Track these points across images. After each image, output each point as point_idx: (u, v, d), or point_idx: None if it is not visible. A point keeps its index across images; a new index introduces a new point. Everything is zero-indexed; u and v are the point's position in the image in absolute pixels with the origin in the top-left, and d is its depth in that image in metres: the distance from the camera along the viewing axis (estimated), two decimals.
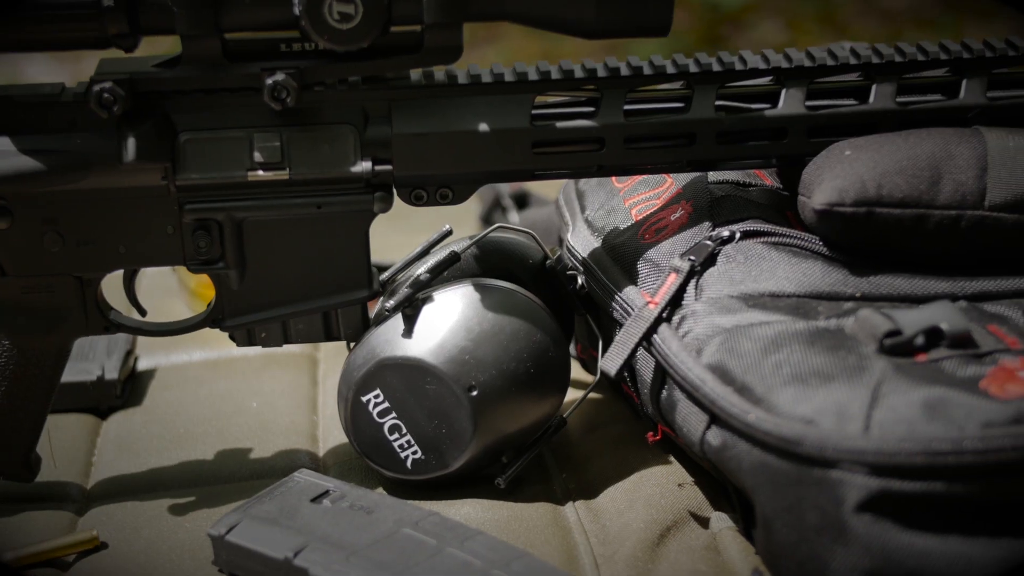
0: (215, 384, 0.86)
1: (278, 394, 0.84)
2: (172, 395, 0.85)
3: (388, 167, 0.69)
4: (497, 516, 0.70)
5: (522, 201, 1.03)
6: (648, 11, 0.66)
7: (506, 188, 1.04)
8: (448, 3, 0.65)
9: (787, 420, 0.58)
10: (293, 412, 0.82)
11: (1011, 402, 0.56)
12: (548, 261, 0.76)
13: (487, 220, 1.04)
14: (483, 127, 0.69)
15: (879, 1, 3.01)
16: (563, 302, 0.77)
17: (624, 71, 0.70)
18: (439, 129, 0.69)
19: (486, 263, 0.76)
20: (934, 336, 0.61)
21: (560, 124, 0.69)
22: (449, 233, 0.76)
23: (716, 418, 0.62)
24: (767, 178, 0.76)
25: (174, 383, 0.86)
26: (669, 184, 0.76)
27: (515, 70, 0.70)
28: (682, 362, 0.64)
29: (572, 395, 0.81)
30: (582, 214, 0.79)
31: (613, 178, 0.80)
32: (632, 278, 0.71)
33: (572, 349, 0.84)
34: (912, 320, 0.61)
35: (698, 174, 0.75)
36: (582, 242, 0.77)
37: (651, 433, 0.70)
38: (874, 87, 0.70)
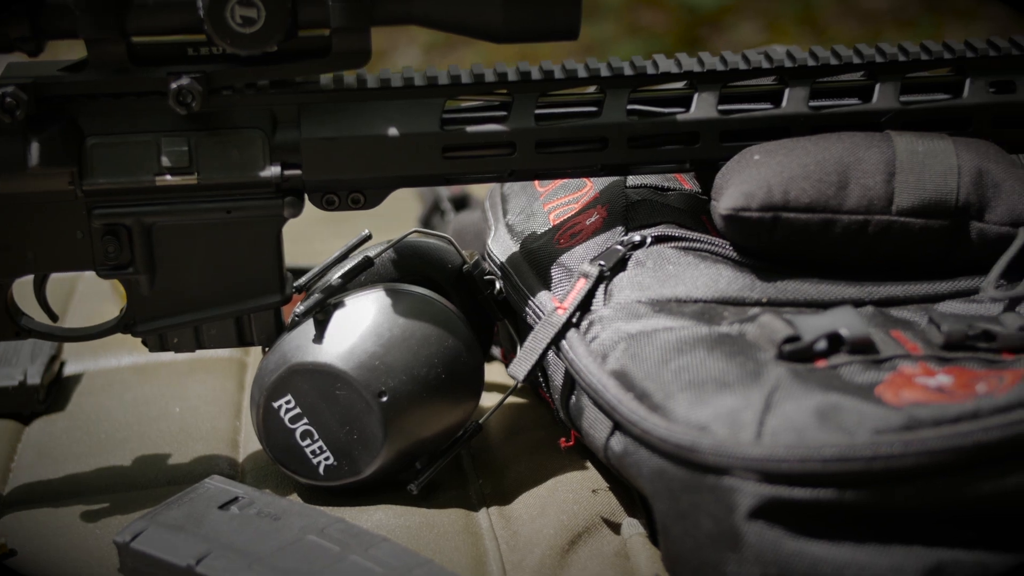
0: (141, 389, 0.85)
1: (203, 399, 0.84)
2: (97, 400, 0.84)
3: (297, 172, 0.69)
4: (409, 522, 0.70)
5: (461, 204, 1.03)
6: (555, 16, 0.66)
7: (445, 191, 1.04)
8: (354, 7, 0.65)
9: (682, 427, 0.58)
10: (216, 417, 0.82)
11: (903, 408, 0.56)
12: (465, 266, 0.76)
13: (426, 223, 1.04)
14: (392, 131, 0.69)
15: (860, 2, 3.01)
16: (482, 307, 0.76)
17: (535, 75, 0.69)
18: (348, 133, 0.69)
19: (404, 268, 0.75)
20: (835, 342, 0.61)
21: (471, 128, 0.69)
22: (368, 237, 0.76)
23: (618, 424, 0.62)
24: (687, 182, 0.76)
25: (100, 388, 0.86)
26: (588, 188, 0.76)
27: (425, 74, 0.69)
28: (587, 368, 0.64)
29: (494, 400, 0.81)
30: (504, 218, 0.79)
31: (536, 182, 0.80)
32: (546, 283, 0.71)
33: (497, 354, 0.84)
34: (812, 326, 0.61)
35: (616, 178, 0.75)
36: (501, 246, 0.76)
37: (564, 439, 0.70)
38: (787, 91, 0.70)
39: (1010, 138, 0.71)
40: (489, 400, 0.79)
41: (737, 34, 2.82)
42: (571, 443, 0.70)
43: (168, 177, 0.68)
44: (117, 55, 0.66)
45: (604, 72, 0.69)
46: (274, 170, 0.69)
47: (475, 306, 0.76)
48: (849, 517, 0.55)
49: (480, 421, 0.74)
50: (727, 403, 0.58)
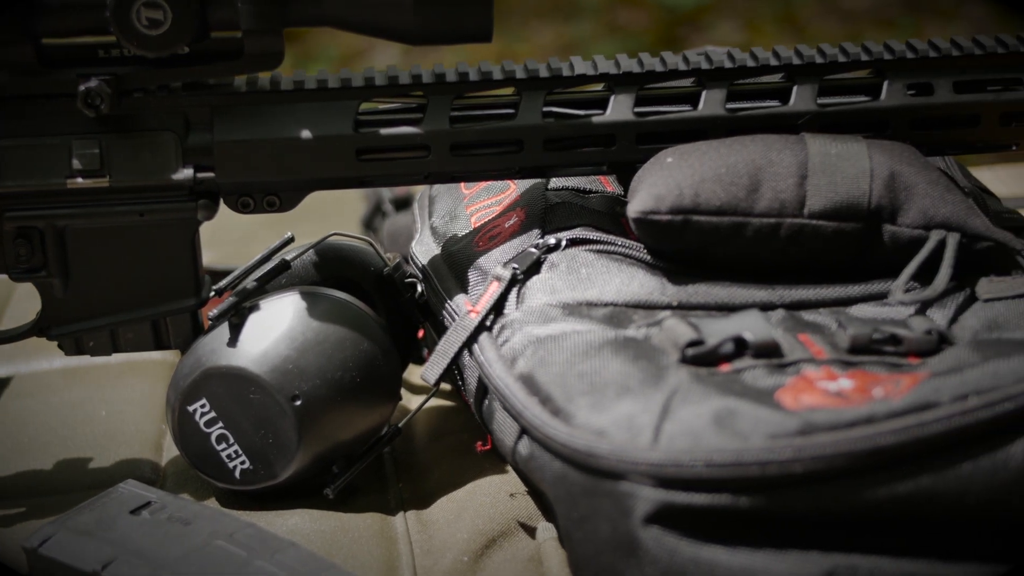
0: (69, 392, 0.85)
1: (130, 402, 0.83)
2: (23, 404, 0.84)
3: (211, 174, 0.69)
4: (324, 527, 0.69)
5: (402, 205, 1.03)
6: (467, 18, 0.65)
7: (387, 192, 1.03)
8: (264, 9, 0.65)
9: (581, 431, 0.58)
10: (142, 421, 0.81)
11: (799, 413, 0.55)
12: (386, 269, 0.75)
13: (368, 224, 1.04)
14: (306, 134, 0.68)
15: (840, 1, 3.00)
16: (405, 310, 0.76)
17: (450, 77, 0.69)
18: (261, 136, 0.68)
19: (325, 270, 0.75)
20: (739, 346, 0.61)
21: (384, 131, 0.69)
22: (291, 240, 0.75)
23: (525, 428, 0.62)
24: (610, 184, 0.76)
25: (28, 391, 0.86)
26: (511, 191, 0.76)
27: (340, 76, 0.69)
28: (496, 372, 0.64)
29: (430, 403, 0.80)
30: (429, 220, 0.79)
31: (462, 184, 0.80)
32: (463, 286, 0.71)
33: (426, 356, 0.84)
34: (717, 329, 0.61)
35: (538, 180, 0.74)
36: (424, 249, 0.76)
37: (480, 442, 0.70)
38: (704, 93, 0.70)
39: (929, 140, 0.71)
40: (416, 403, 0.79)
41: (716, 33, 2.82)
42: (487, 447, 0.69)
43: (79, 180, 0.68)
44: (26, 56, 0.66)
45: (520, 74, 0.69)
46: (187, 173, 0.68)
47: (398, 309, 0.76)
48: (745, 522, 0.55)
49: (400, 425, 0.74)
50: (626, 408, 0.57)
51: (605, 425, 0.57)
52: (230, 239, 1.06)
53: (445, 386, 0.83)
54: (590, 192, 0.74)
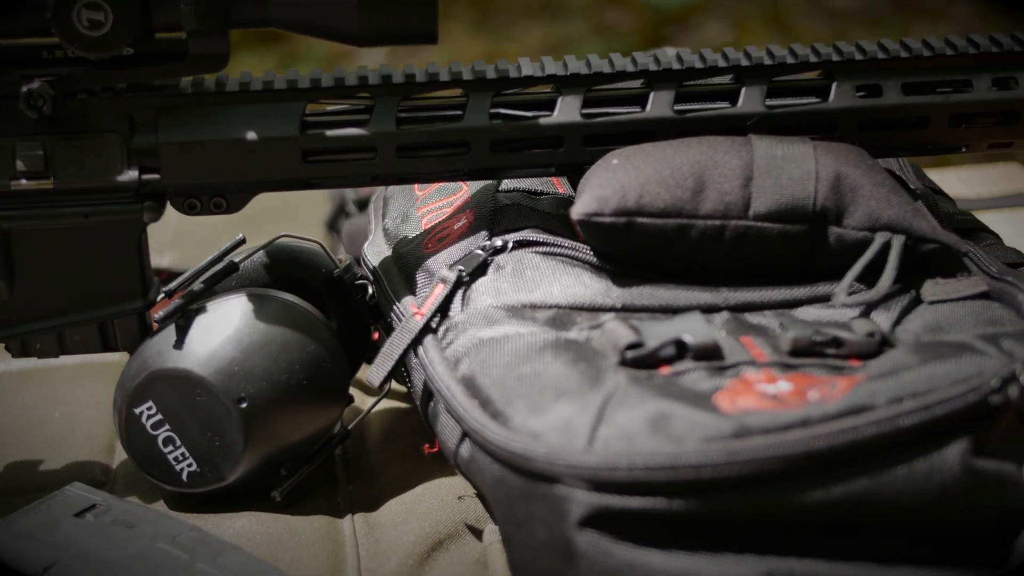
0: (24, 394, 0.85)
1: (85, 404, 0.83)
2: None
3: (156, 176, 0.68)
4: (270, 529, 0.69)
5: (365, 206, 1.02)
6: (411, 19, 0.65)
7: (351, 193, 1.03)
8: (207, 10, 0.65)
9: (518, 434, 0.57)
10: (95, 423, 0.81)
11: (734, 416, 0.55)
12: (336, 271, 0.75)
13: (332, 225, 1.04)
14: (251, 135, 0.68)
15: (827, 1, 3.00)
16: (355, 312, 0.76)
17: (397, 79, 0.69)
18: (207, 137, 0.68)
19: (276, 272, 0.75)
20: (679, 348, 0.60)
21: (330, 132, 0.69)
22: (242, 242, 0.75)
23: (466, 432, 0.62)
24: (562, 186, 0.75)
25: None
26: (463, 192, 0.76)
27: (286, 78, 0.69)
28: (439, 374, 0.64)
29: (385, 405, 0.80)
30: (382, 222, 0.79)
31: (416, 185, 0.80)
32: (411, 288, 0.71)
33: None
34: (657, 332, 0.61)
35: (490, 182, 0.74)
36: (376, 251, 0.76)
37: (428, 445, 0.70)
38: (652, 95, 0.69)
39: (878, 142, 0.71)
40: (380, 405, 0.79)
41: (704, 33, 2.81)
42: (435, 449, 0.69)
43: (23, 181, 0.67)
44: None
45: (466, 75, 0.69)
46: (132, 174, 0.68)
47: (350, 311, 0.76)
48: (680, 526, 0.55)
49: (350, 427, 0.74)
50: (563, 411, 0.57)
51: (542, 428, 0.57)
52: (194, 240, 1.06)
53: (400, 388, 0.83)
54: (541, 194, 0.74)
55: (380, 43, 0.66)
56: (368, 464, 0.76)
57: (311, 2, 0.65)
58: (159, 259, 1.03)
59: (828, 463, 0.54)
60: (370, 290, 0.75)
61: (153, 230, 1.04)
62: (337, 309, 0.75)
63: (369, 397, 0.82)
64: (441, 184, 0.78)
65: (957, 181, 1.04)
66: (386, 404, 0.80)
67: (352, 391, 0.76)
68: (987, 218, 0.95)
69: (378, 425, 0.79)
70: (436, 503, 0.70)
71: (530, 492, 0.57)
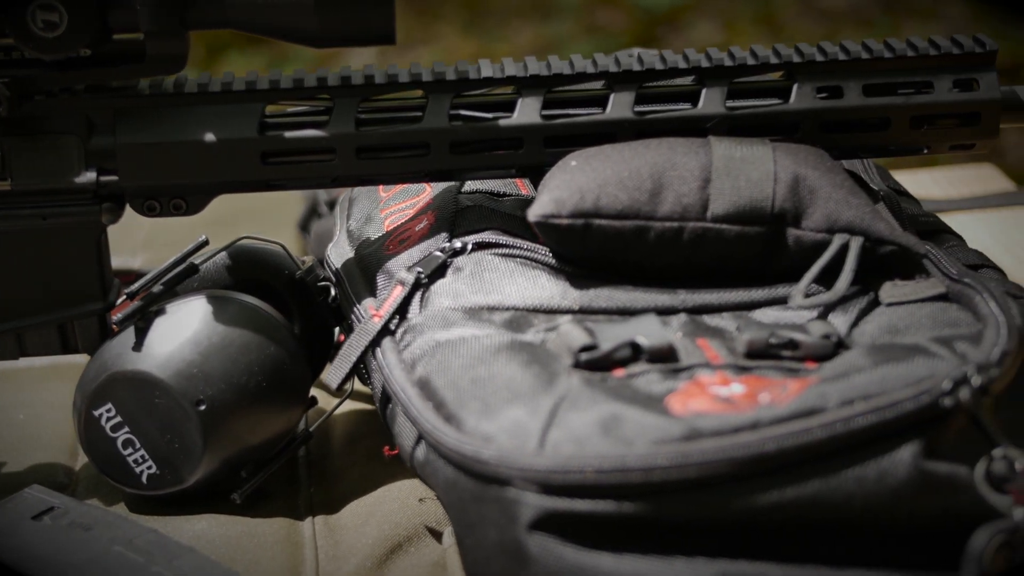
0: None
1: (50, 406, 0.83)
2: None
3: (114, 178, 0.68)
4: (230, 532, 0.69)
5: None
6: (368, 21, 0.65)
7: (323, 194, 1.03)
8: (163, 12, 0.64)
9: (471, 437, 0.57)
10: (59, 425, 0.81)
11: (685, 419, 0.55)
12: (298, 273, 0.75)
13: (304, 226, 1.03)
14: (209, 137, 0.68)
15: (818, 1, 3.00)
16: (318, 314, 0.76)
17: (356, 80, 0.69)
18: (164, 139, 0.68)
19: (239, 274, 0.75)
20: (635, 351, 0.60)
21: (289, 134, 0.68)
22: (205, 243, 0.75)
23: (421, 434, 0.62)
24: (525, 187, 0.75)
25: None
26: (426, 194, 0.76)
27: (245, 79, 0.69)
28: (395, 376, 0.63)
29: (351, 407, 0.80)
30: (346, 223, 0.79)
31: (380, 187, 0.79)
32: (372, 290, 0.70)
33: None
34: (611, 334, 0.60)
35: (451, 183, 0.74)
36: (339, 252, 0.76)
37: (388, 447, 0.69)
38: (612, 96, 0.69)
39: (840, 143, 0.71)
40: (344, 406, 0.79)
41: (695, 33, 2.81)
42: (395, 451, 0.69)
43: None
44: None
45: (426, 77, 0.69)
46: (90, 176, 0.68)
47: (313, 313, 0.76)
48: (631, 529, 0.54)
49: (311, 429, 0.74)
50: (515, 414, 0.57)
51: (494, 431, 0.57)
52: (167, 241, 1.05)
53: (365, 390, 0.82)
54: (504, 195, 0.74)
55: (338, 44, 0.66)
56: (331, 466, 0.76)
57: (268, 3, 0.65)
58: (131, 260, 1.03)
59: (778, 466, 0.54)
60: (332, 292, 0.75)
61: (125, 231, 1.04)
62: (300, 311, 0.75)
63: (334, 399, 0.82)
64: (405, 186, 0.78)
65: (931, 182, 1.04)
66: (352, 406, 0.80)
67: (317, 393, 0.76)
68: (960, 219, 0.96)
69: (343, 427, 0.79)
70: (397, 505, 0.70)
71: (482, 495, 0.57)
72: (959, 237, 0.74)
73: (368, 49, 2.78)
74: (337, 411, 0.79)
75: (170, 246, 1.04)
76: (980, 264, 0.70)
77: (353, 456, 0.76)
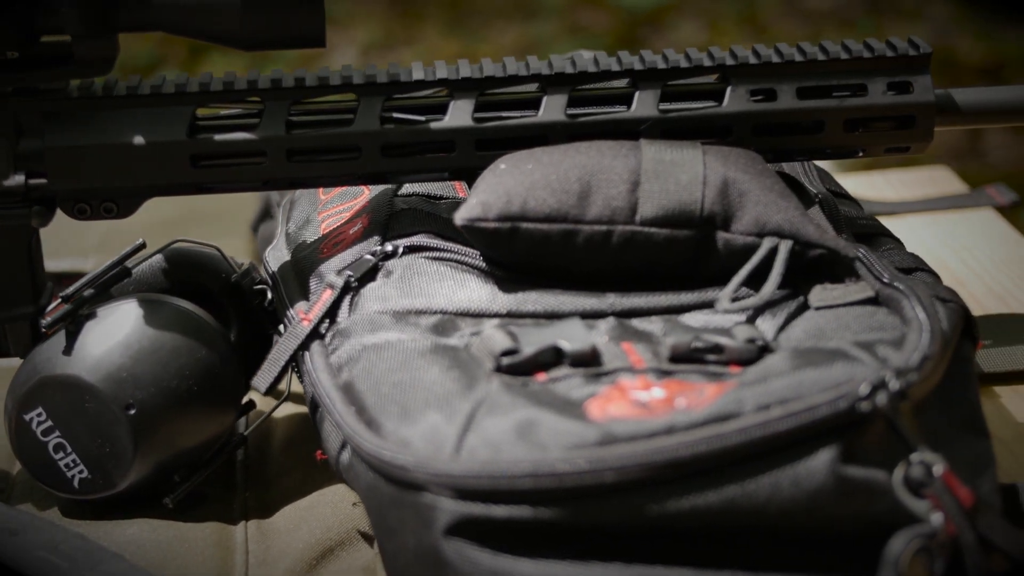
0: None
1: None
2: None
3: (43, 181, 0.68)
4: (161, 537, 0.69)
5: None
6: (296, 24, 0.65)
7: (276, 195, 1.02)
8: (90, 14, 0.64)
9: (388, 442, 0.57)
10: None
11: (601, 424, 0.55)
12: (233, 276, 0.75)
13: (257, 228, 1.03)
14: (139, 140, 0.68)
15: (802, 1, 3.00)
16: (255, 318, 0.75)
17: (287, 83, 0.68)
18: (93, 142, 0.68)
19: (175, 277, 0.75)
20: (558, 355, 0.60)
21: (219, 137, 0.68)
22: (142, 246, 0.74)
23: (344, 439, 0.61)
24: (463, 190, 0.75)
25: None
26: (363, 196, 0.75)
27: (175, 82, 0.68)
28: (322, 380, 0.63)
29: (293, 410, 0.80)
30: (286, 226, 0.78)
31: (320, 189, 0.79)
32: (305, 294, 0.70)
33: None
34: (534, 338, 0.60)
35: (388, 186, 0.74)
36: (277, 256, 0.75)
37: (320, 451, 0.69)
38: (545, 99, 0.69)
39: (774, 146, 0.70)
40: (285, 410, 0.78)
41: (678, 34, 2.81)
42: (325, 456, 0.69)
43: None
44: None
45: (357, 79, 0.69)
46: (18, 179, 0.68)
47: (250, 316, 0.75)
48: (547, 534, 0.54)
49: (245, 433, 0.74)
50: (433, 419, 0.57)
51: (411, 436, 0.57)
52: (121, 243, 1.05)
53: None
54: (440, 198, 0.74)
55: (264, 47, 0.66)
56: (268, 470, 0.75)
57: (195, 6, 0.64)
58: (83, 263, 1.02)
59: (694, 471, 0.54)
60: (269, 295, 0.74)
61: (77, 233, 1.03)
62: (236, 314, 0.75)
63: (285, 404, 0.82)
64: (344, 188, 0.77)
65: (884, 184, 1.04)
66: (295, 409, 0.80)
67: (256, 397, 0.76)
68: (910, 221, 0.96)
69: (283, 430, 0.79)
70: (330, 510, 0.70)
71: (400, 500, 0.56)
72: (897, 240, 0.74)
73: (348, 50, 2.78)
74: (280, 415, 0.79)
75: (123, 248, 1.04)
76: (915, 268, 0.69)
77: (290, 459, 0.76)
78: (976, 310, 0.82)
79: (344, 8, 2.96)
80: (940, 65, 2.60)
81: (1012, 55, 2.54)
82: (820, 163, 0.86)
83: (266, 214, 1.03)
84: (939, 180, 1.04)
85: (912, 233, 0.94)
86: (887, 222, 0.95)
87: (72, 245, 1.03)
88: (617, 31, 2.85)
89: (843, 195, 0.79)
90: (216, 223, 1.07)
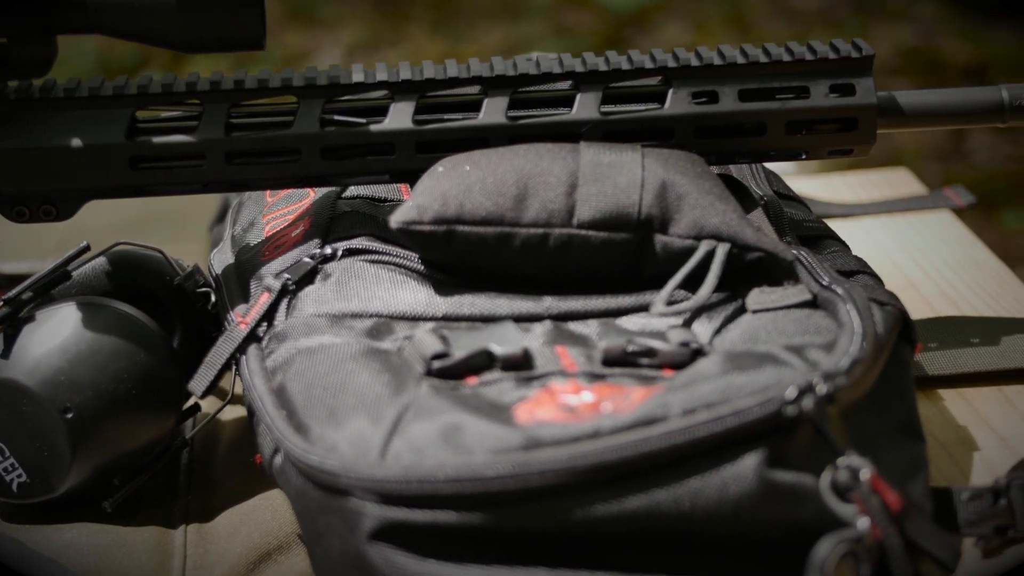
0: None
1: None
2: None
3: None
4: (99, 541, 0.68)
5: None
6: (234, 27, 0.65)
7: (235, 197, 1.02)
8: (26, 15, 0.64)
9: (315, 446, 0.57)
10: None
11: (526, 428, 0.54)
12: (177, 279, 0.75)
13: (213, 230, 1.03)
14: (76, 142, 0.67)
15: (789, 2, 3.00)
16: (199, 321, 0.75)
17: (226, 85, 0.68)
18: (31, 144, 0.67)
19: (118, 280, 0.74)
20: (490, 358, 0.60)
21: (157, 139, 0.68)
22: (86, 249, 0.74)
23: (275, 442, 0.61)
24: (408, 193, 0.75)
25: None
26: (308, 199, 0.75)
27: (113, 84, 0.68)
28: (256, 384, 0.63)
29: (241, 413, 0.79)
30: (232, 228, 0.78)
31: (268, 192, 0.79)
32: (246, 297, 0.70)
33: None
34: (465, 342, 0.60)
35: (333, 188, 0.74)
36: (222, 258, 0.75)
37: (259, 455, 0.69)
38: (486, 101, 0.69)
39: (716, 149, 0.70)
40: (234, 413, 0.78)
41: (664, 35, 2.81)
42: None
43: None
44: None
45: (297, 82, 0.68)
46: None
47: (194, 320, 0.75)
48: (473, 539, 0.54)
49: (188, 436, 0.73)
50: (360, 423, 0.56)
51: (338, 440, 0.56)
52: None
53: None
54: (385, 201, 0.74)
55: (204, 50, 0.65)
56: (212, 473, 0.75)
57: (131, 7, 0.64)
58: (41, 265, 1.02)
59: (619, 475, 0.53)
60: (213, 298, 0.74)
61: (35, 236, 1.03)
62: (180, 318, 0.74)
63: (233, 407, 0.81)
64: (290, 191, 0.77)
65: (843, 186, 1.04)
66: (243, 412, 0.80)
67: (205, 400, 0.75)
68: (867, 223, 0.95)
69: (230, 433, 0.79)
70: (269, 514, 0.69)
71: (327, 505, 0.56)
72: (843, 243, 0.74)
73: (333, 49, 2.78)
74: (229, 418, 0.79)
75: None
76: (857, 270, 0.69)
77: (235, 463, 0.75)
78: (927, 312, 0.82)
79: (330, 9, 2.96)
80: (926, 66, 2.60)
81: (998, 56, 2.54)
82: (777, 165, 0.86)
83: (223, 216, 1.03)
84: (898, 182, 1.03)
85: (868, 235, 0.94)
86: (845, 224, 0.96)
87: (32, 248, 1.03)
88: (603, 32, 2.85)
89: (791, 197, 0.78)
90: (177, 225, 1.07)
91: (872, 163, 1.09)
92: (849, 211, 0.98)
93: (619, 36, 2.84)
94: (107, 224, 1.07)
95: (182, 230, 1.05)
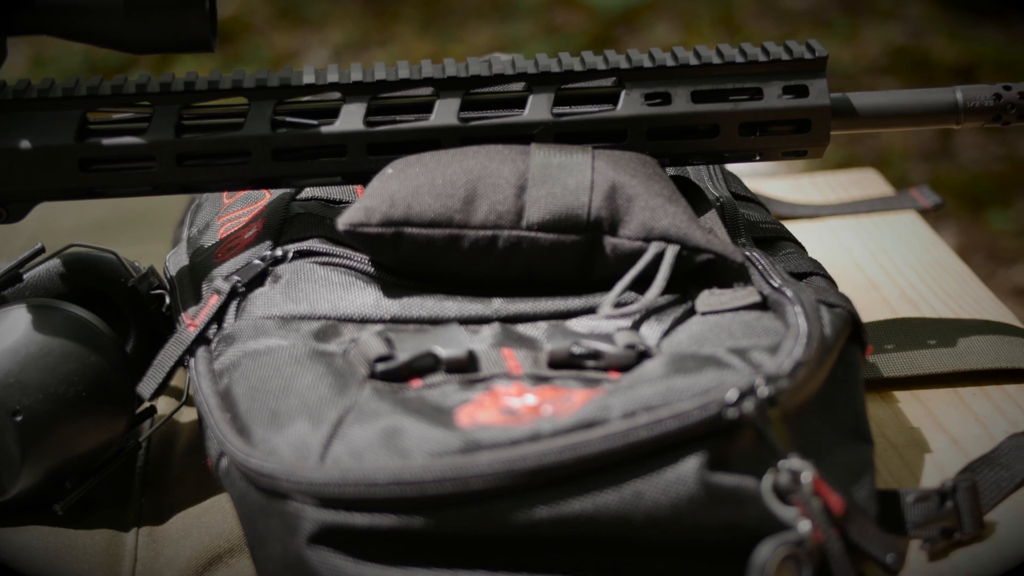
0: None
1: None
2: None
3: None
4: (50, 544, 0.68)
5: None
6: (182, 29, 0.64)
7: (198, 198, 1.02)
8: None
9: (256, 450, 0.57)
10: None
11: (466, 431, 0.54)
12: (130, 281, 0.74)
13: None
14: (25, 144, 0.67)
15: (778, 2, 3.00)
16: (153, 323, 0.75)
17: (176, 87, 0.68)
18: None
19: (72, 282, 0.74)
20: (435, 361, 0.60)
21: (107, 141, 0.68)
22: (41, 251, 0.74)
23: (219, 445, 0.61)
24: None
25: None
26: (263, 201, 0.75)
27: (63, 85, 0.68)
28: (203, 386, 0.63)
29: (192, 416, 0.79)
30: (188, 230, 0.78)
31: (224, 193, 0.79)
32: (197, 299, 0.70)
33: None
34: (410, 344, 0.60)
35: (287, 190, 0.73)
36: (176, 260, 0.75)
37: (209, 458, 0.69)
38: (437, 103, 0.68)
39: (670, 150, 0.70)
40: (191, 415, 0.78)
41: (653, 34, 2.81)
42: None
43: None
44: None
45: (247, 83, 0.68)
46: None
47: (148, 322, 0.75)
48: (412, 543, 0.54)
49: (141, 439, 0.73)
50: (300, 426, 0.56)
51: (279, 444, 0.56)
52: (50, 247, 1.05)
53: None
54: (340, 202, 0.73)
55: (153, 51, 0.65)
56: (167, 476, 0.75)
57: (79, 8, 0.64)
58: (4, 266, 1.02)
59: (559, 478, 0.53)
60: (167, 300, 0.74)
61: (7, 237, 1.02)
62: (133, 320, 0.74)
63: (189, 407, 0.81)
64: (246, 193, 0.77)
65: (811, 187, 1.03)
66: (193, 414, 0.79)
67: (161, 402, 0.75)
68: (833, 224, 0.95)
69: (187, 435, 0.78)
70: (221, 516, 0.69)
71: (268, 508, 0.56)
72: (799, 244, 0.73)
73: (321, 50, 2.77)
74: (186, 420, 0.79)
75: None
76: (811, 272, 0.69)
77: (189, 465, 0.75)
78: (886, 313, 0.81)
79: (319, 8, 2.96)
80: (913, 65, 2.60)
81: (986, 55, 2.54)
82: (749, 166, 0.86)
83: None
84: (866, 183, 1.03)
85: (834, 235, 0.94)
86: (812, 225, 0.96)
87: (1, 249, 1.03)
88: (592, 32, 2.85)
89: (748, 198, 0.78)
90: (145, 226, 1.06)
91: (860, 164, 1.09)
92: (816, 212, 0.97)
93: (608, 36, 2.84)
94: (74, 225, 1.06)
95: (150, 231, 1.05)
